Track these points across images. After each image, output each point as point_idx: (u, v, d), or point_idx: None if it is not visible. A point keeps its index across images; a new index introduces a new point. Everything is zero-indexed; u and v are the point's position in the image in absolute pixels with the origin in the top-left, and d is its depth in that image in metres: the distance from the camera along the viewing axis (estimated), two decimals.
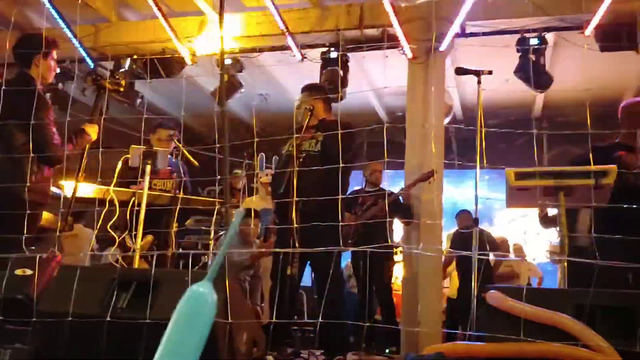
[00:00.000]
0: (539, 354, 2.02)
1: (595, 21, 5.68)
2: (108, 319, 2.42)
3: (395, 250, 6.08)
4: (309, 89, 4.13)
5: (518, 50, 6.10)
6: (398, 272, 6.79)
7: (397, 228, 6.64)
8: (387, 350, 5.23)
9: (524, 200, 3.15)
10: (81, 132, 3.65)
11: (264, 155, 9.31)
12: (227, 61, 6.77)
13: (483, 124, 3.77)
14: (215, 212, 3.01)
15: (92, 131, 3.67)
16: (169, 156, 4.80)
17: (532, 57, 6.06)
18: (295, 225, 3.00)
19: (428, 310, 5.48)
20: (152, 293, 2.47)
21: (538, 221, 5.00)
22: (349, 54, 6.63)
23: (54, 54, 3.68)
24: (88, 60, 7.10)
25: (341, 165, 2.79)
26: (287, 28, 6.32)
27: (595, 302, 2.09)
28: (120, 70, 3.75)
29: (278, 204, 3.94)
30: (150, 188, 4.28)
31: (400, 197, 5.54)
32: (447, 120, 7.63)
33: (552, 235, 6.17)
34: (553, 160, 9.17)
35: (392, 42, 6.23)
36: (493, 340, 2.13)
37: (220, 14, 2.84)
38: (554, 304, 2.16)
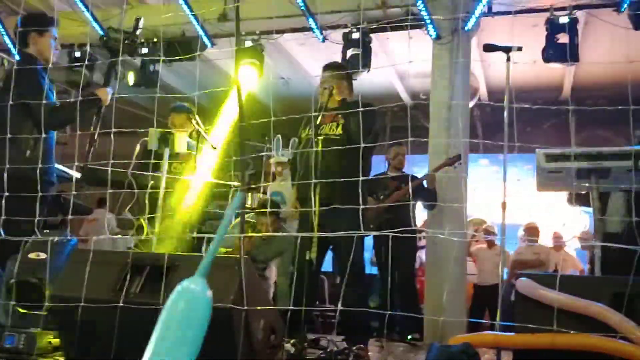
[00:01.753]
0: (573, 346, 1.89)
1: None
2: (121, 303, 2.35)
3: (418, 235, 5.96)
4: (330, 68, 3.99)
5: (547, 30, 5.86)
6: (421, 258, 6.67)
7: (421, 214, 6.51)
8: (409, 337, 5.11)
9: (555, 183, 2.99)
10: (91, 95, 3.56)
11: (280, 137, 9.17)
12: (248, 43, 6.66)
13: (511, 103, 3.59)
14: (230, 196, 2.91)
15: (104, 95, 3.55)
16: (188, 139, 4.73)
17: (562, 36, 5.82)
18: (315, 209, 2.89)
19: (452, 297, 5.36)
20: (166, 278, 2.39)
21: (566, 199, 4.81)
22: (372, 35, 6.46)
23: (53, 32, 3.60)
24: None
25: (362, 145, 2.64)
26: (307, 8, 6.18)
27: (635, 290, 1.95)
28: (137, 32, 3.64)
29: (298, 188, 3.83)
30: (169, 172, 4.22)
31: (424, 182, 5.40)
32: (472, 102, 7.44)
33: (583, 222, 5.97)
34: (581, 144, 8.94)
35: (416, 22, 6.05)
36: (523, 330, 2.00)
37: None
38: (589, 292, 2.02)
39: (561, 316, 1.97)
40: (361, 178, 2.66)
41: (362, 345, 3.25)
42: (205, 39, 6.75)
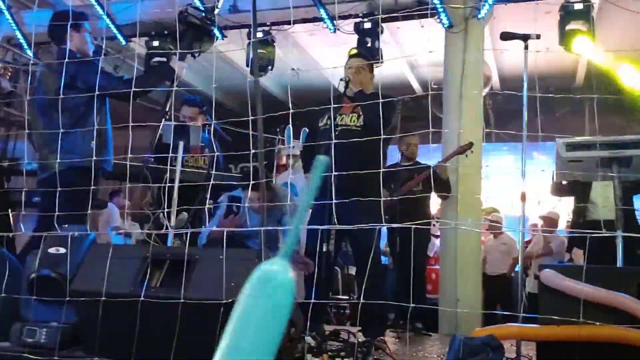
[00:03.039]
0: (600, 338, 1.87)
1: None
2: (142, 298, 2.35)
3: (433, 222, 5.93)
4: (352, 57, 3.97)
5: (560, 16, 5.79)
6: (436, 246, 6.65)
7: (434, 203, 6.47)
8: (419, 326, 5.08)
9: (576, 172, 2.96)
10: (168, 68, 3.70)
11: (290, 127, 9.14)
12: (258, 34, 6.62)
13: (527, 92, 3.56)
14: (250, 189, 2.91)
15: (179, 68, 3.72)
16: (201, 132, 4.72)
17: (575, 23, 5.75)
18: (334, 201, 2.87)
19: (467, 287, 5.34)
20: (186, 272, 2.39)
21: (550, 189, 4.77)
22: (383, 25, 6.42)
23: (87, 26, 3.69)
24: (119, 37, 7.05)
25: (382, 136, 2.63)
26: None
27: None
28: (215, 12, 3.80)
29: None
30: (182, 165, 4.22)
31: (437, 171, 5.35)
32: (485, 91, 7.38)
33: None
34: (594, 132, 8.85)
35: (428, 10, 6.00)
36: (547, 322, 1.99)
37: None
38: (615, 283, 2.00)
39: (586, 308, 1.95)
40: (382, 170, 2.62)
41: (382, 337, 3.24)
42: (215, 31, 6.71)
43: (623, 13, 5.80)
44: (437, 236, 6.53)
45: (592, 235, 2.12)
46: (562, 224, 7.32)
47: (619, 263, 2.54)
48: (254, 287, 0.91)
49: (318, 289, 3.19)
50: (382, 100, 2.74)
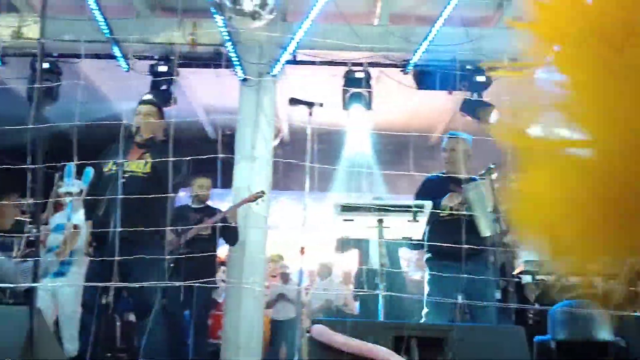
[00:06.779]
0: None
1: (414, 60, 6.15)
2: None
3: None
4: (142, 103, 3.93)
5: (345, 82, 6.37)
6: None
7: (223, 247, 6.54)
8: None
9: (350, 229, 3.30)
10: None
11: (73, 165, 8.59)
12: (45, 65, 6.21)
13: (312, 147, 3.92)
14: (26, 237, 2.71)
15: None
16: None
17: (359, 89, 6.36)
18: (117, 258, 2.80)
19: (250, 333, 5.45)
20: None
21: (335, 247, 5.21)
22: (179, 69, 6.44)
23: None
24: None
25: (171, 185, 2.67)
26: (113, 36, 5.99)
27: (410, 333, 2.22)
28: None
29: (96, 227, 3.63)
30: None
31: (227, 217, 5.41)
32: (275, 142, 7.74)
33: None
34: (373, 184, 9.73)
35: (225, 61, 6.19)
36: None
37: (43, 14, 2.59)
38: (376, 336, 2.24)
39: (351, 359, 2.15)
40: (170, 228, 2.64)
41: None
42: None
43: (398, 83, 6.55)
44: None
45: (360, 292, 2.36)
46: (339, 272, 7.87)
47: (379, 314, 2.87)
48: None
49: (97, 344, 3.06)
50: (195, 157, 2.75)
